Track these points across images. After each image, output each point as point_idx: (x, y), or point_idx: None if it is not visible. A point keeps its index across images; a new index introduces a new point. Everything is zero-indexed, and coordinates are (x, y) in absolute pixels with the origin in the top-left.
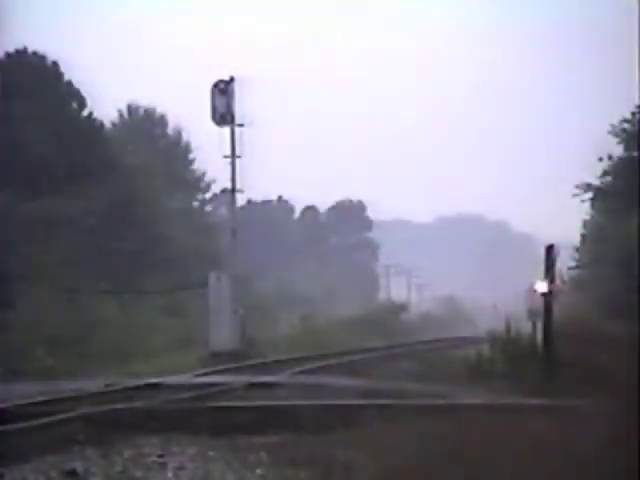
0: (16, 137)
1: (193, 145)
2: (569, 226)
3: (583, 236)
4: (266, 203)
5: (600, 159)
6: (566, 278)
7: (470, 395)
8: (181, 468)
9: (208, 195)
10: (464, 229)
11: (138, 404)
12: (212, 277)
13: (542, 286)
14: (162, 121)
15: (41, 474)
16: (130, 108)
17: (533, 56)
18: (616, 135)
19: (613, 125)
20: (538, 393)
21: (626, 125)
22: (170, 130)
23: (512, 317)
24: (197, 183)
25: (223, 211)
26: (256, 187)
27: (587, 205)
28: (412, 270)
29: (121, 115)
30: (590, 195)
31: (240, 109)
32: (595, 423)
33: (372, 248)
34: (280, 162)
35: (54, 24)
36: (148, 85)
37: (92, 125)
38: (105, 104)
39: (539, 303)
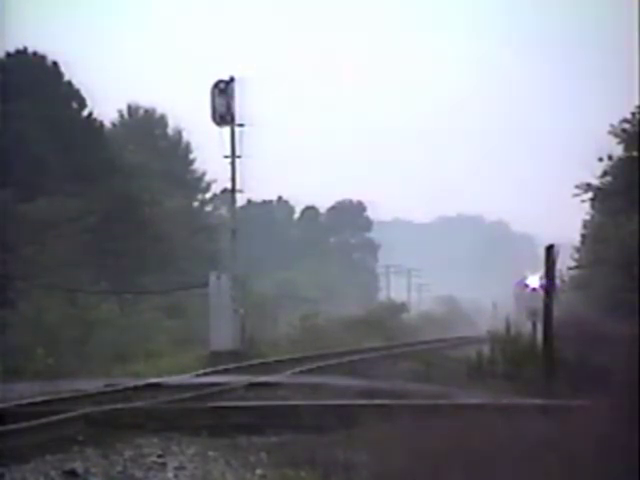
0: (16, 137)
1: (193, 145)
2: (569, 226)
3: (583, 236)
4: (266, 203)
5: (600, 159)
6: (566, 278)
7: (470, 395)
8: (181, 468)
9: (208, 195)
10: (464, 229)
11: (138, 404)
12: (212, 277)
13: (533, 280)
14: (162, 121)
15: (41, 474)
16: (130, 108)
17: (533, 56)
18: (616, 135)
19: (613, 125)
20: (538, 393)
21: (626, 125)
22: (170, 130)
23: (511, 316)
24: (197, 183)
25: (223, 211)
26: (256, 187)
27: (587, 205)
28: (412, 270)
29: (121, 115)
30: (590, 195)
31: (240, 109)
32: (595, 423)
33: (372, 248)
34: (280, 162)
35: (54, 24)
36: (148, 85)
37: (92, 125)
38: (105, 104)
39: (529, 298)
